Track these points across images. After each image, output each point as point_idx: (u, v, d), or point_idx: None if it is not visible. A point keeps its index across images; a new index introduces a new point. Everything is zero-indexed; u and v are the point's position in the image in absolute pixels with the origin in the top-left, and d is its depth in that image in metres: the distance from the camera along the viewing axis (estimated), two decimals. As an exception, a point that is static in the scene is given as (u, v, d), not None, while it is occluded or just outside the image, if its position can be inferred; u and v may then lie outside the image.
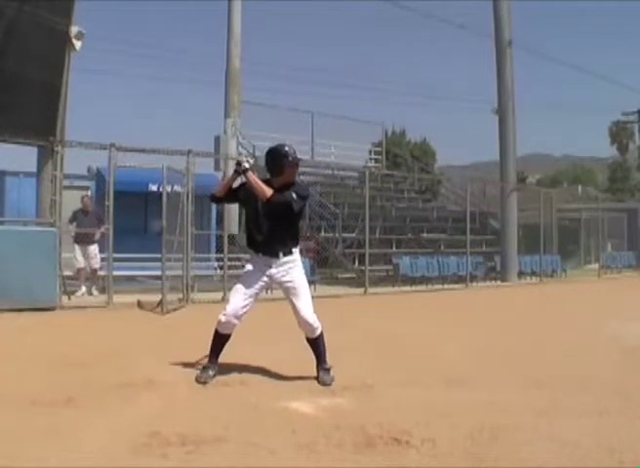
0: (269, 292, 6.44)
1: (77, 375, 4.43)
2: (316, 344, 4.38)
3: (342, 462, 2.85)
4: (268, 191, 4.18)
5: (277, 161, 4.30)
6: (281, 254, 4.28)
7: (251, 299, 4.28)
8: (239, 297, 4.25)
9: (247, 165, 4.24)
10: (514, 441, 3.14)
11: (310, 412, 3.63)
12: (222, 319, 4.23)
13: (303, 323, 4.30)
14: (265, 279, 4.32)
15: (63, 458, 2.81)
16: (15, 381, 4.26)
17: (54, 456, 2.82)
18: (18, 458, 2.79)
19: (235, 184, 4.37)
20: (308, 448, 2.99)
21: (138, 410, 3.61)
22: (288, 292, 4.35)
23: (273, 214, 4.22)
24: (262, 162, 4.47)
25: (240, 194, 4.40)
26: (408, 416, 3.49)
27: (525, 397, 4.04)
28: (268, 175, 4.40)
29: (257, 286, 4.30)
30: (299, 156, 4.48)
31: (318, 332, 4.35)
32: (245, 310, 4.26)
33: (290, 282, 4.31)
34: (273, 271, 4.29)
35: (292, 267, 4.32)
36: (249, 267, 4.39)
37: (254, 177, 4.24)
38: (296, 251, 4.38)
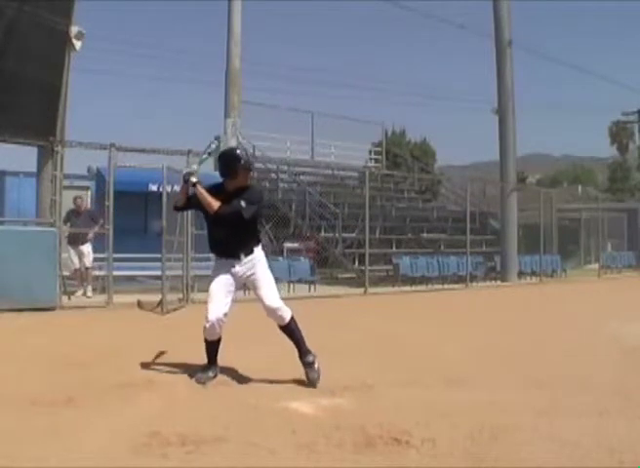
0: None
1: (77, 375, 4.43)
2: (290, 331, 4.32)
3: (342, 462, 2.85)
4: (215, 204, 4.19)
5: (230, 165, 4.28)
6: (242, 255, 4.30)
7: (227, 299, 4.28)
8: (216, 301, 4.25)
9: (193, 179, 4.23)
10: (514, 441, 3.14)
11: (310, 412, 3.63)
12: (207, 326, 4.24)
13: (270, 310, 4.27)
14: (232, 278, 4.31)
15: (63, 458, 2.81)
16: (15, 381, 4.26)
17: (54, 456, 2.82)
18: (18, 458, 2.79)
19: (190, 193, 4.35)
20: (308, 448, 2.99)
21: (138, 410, 3.61)
22: (252, 285, 4.37)
23: (226, 222, 4.23)
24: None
25: (194, 201, 4.37)
26: (408, 416, 3.49)
27: (525, 397, 4.04)
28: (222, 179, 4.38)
29: (228, 286, 4.30)
30: (251, 159, 4.48)
31: (288, 317, 4.29)
32: (225, 310, 4.25)
33: (252, 275, 4.32)
34: (237, 270, 4.30)
35: (254, 264, 4.34)
36: (215, 270, 4.41)
37: (201, 191, 4.25)
38: (257, 249, 4.38)
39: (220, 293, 4.27)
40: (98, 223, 9.70)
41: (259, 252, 4.40)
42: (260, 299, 4.33)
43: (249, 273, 4.33)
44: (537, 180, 44.81)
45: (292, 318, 4.33)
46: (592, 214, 20.43)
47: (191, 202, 4.42)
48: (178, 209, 4.69)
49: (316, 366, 4.31)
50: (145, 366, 4.74)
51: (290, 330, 4.33)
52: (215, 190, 4.31)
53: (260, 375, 4.45)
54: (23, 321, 7.21)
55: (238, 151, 4.39)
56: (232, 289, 4.34)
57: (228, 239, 4.28)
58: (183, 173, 4.36)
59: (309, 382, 4.25)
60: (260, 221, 4.56)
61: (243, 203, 4.19)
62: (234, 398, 3.95)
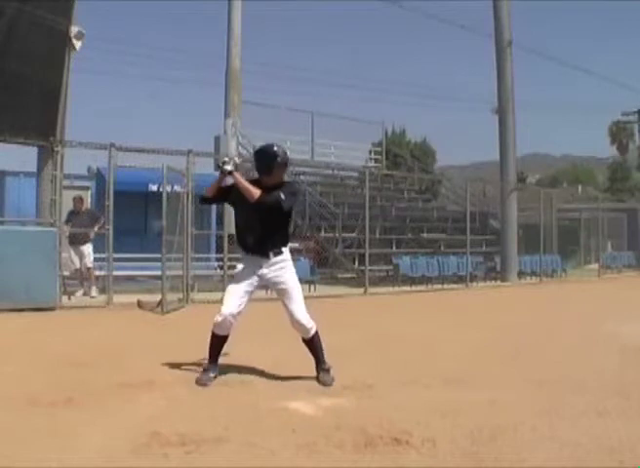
0: (269, 292, 6.43)
1: (77, 375, 4.43)
2: (313, 344, 4.37)
3: (342, 462, 2.85)
4: (256, 192, 4.16)
5: (266, 161, 4.27)
6: (271, 255, 4.27)
7: (244, 299, 4.27)
8: (233, 297, 4.25)
9: (228, 167, 4.19)
10: (514, 441, 3.14)
11: (310, 412, 3.62)
12: (219, 319, 4.23)
13: (298, 325, 4.31)
14: (257, 279, 4.31)
15: (63, 458, 2.81)
16: (15, 381, 4.26)
17: (54, 456, 2.82)
18: (18, 458, 2.79)
19: (224, 184, 4.30)
20: (308, 447, 2.99)
21: (138, 410, 3.61)
22: (280, 294, 4.36)
23: (263, 215, 4.20)
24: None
25: (232, 194, 4.32)
26: (408, 416, 3.49)
27: (525, 397, 4.04)
28: (257, 175, 4.39)
29: (249, 285, 4.29)
30: (289, 156, 4.47)
31: (313, 332, 4.34)
32: (240, 309, 4.25)
33: (282, 284, 4.30)
34: (264, 271, 4.29)
35: (283, 267, 4.31)
36: (240, 267, 4.42)
37: (241, 179, 4.22)
38: (286, 250, 4.36)
39: (240, 291, 4.26)
40: (98, 223, 9.69)
41: (287, 254, 4.37)
42: (288, 312, 4.31)
43: (278, 279, 4.30)
44: (537, 180, 44.86)
45: (316, 333, 4.35)
46: (592, 214, 20.41)
47: (227, 193, 4.33)
48: (205, 200, 4.62)
49: (331, 374, 4.34)
50: (145, 366, 4.74)
51: (312, 343, 4.37)
52: (252, 185, 4.26)
53: (261, 375, 4.46)
54: (23, 321, 7.21)
55: (275, 148, 4.32)
56: (252, 289, 4.32)
57: (259, 236, 4.25)
58: (220, 162, 4.29)
59: (321, 382, 4.28)
60: (291, 221, 4.52)
61: (282, 195, 4.16)
62: (234, 398, 3.95)
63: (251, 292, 4.34)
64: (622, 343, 6.10)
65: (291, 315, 4.30)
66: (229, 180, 4.24)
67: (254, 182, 4.31)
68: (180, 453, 2.90)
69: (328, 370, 4.35)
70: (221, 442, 3.06)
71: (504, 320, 8.46)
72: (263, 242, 4.26)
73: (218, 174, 4.36)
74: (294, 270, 4.41)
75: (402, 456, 2.92)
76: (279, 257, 4.31)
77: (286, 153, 4.37)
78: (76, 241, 10.05)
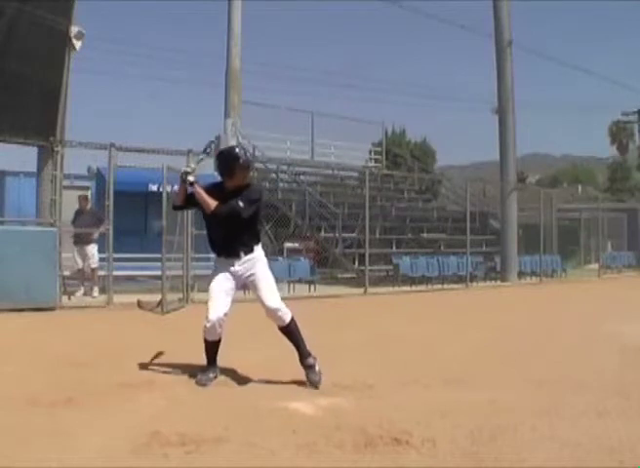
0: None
1: (77, 375, 4.43)
2: (290, 332, 4.31)
3: (342, 462, 2.85)
4: (212, 204, 4.19)
5: (228, 164, 4.27)
6: (242, 254, 4.30)
7: (228, 299, 4.28)
8: (216, 300, 4.24)
9: (191, 178, 4.23)
10: (514, 441, 3.14)
11: (310, 412, 3.63)
12: (208, 325, 4.22)
13: (271, 311, 4.27)
14: (231, 277, 4.31)
15: (63, 458, 2.81)
16: (15, 381, 4.26)
17: (54, 456, 2.82)
18: (18, 458, 2.79)
19: (190, 191, 4.33)
20: (308, 448, 2.99)
21: (138, 410, 3.61)
22: (251, 286, 4.37)
23: (225, 222, 4.22)
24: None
25: (193, 201, 4.35)
26: (408, 416, 3.49)
27: (525, 397, 4.04)
28: (220, 178, 4.39)
29: (228, 285, 4.30)
30: (251, 158, 4.47)
31: (288, 319, 4.28)
32: (226, 311, 4.25)
33: (252, 275, 4.31)
34: (237, 269, 4.30)
35: (254, 263, 4.33)
36: (215, 269, 4.43)
37: (198, 190, 4.24)
38: (257, 248, 4.38)
39: (221, 293, 4.26)
40: (102, 223, 9.66)
41: (259, 251, 4.39)
42: (259, 300, 4.32)
43: (249, 273, 4.32)
44: (537, 180, 44.89)
45: (292, 319, 4.32)
46: (592, 214, 20.40)
47: (190, 201, 4.40)
48: (176, 208, 4.70)
49: (317, 368, 4.29)
50: (146, 366, 4.74)
51: (290, 331, 4.32)
52: (214, 189, 4.30)
53: (260, 375, 4.45)
54: (23, 321, 7.21)
55: (237, 150, 4.36)
56: (232, 287, 4.33)
57: (227, 238, 4.28)
58: (181, 172, 4.35)
59: (310, 384, 4.23)
60: (260, 221, 4.51)
61: (241, 203, 4.17)
62: (234, 398, 3.95)
63: (232, 291, 4.33)
64: (622, 343, 6.10)
65: (263, 303, 4.28)
66: (190, 189, 4.28)
67: (216, 186, 4.34)
68: (180, 453, 2.90)
69: (313, 367, 4.27)
70: (221, 442, 3.06)
71: (504, 320, 8.46)
72: (233, 244, 4.29)
73: (180, 182, 4.37)
74: (266, 264, 4.41)
75: (402, 456, 2.92)
76: (250, 255, 4.32)
77: (247, 156, 4.37)
78: (80, 241, 10.04)
